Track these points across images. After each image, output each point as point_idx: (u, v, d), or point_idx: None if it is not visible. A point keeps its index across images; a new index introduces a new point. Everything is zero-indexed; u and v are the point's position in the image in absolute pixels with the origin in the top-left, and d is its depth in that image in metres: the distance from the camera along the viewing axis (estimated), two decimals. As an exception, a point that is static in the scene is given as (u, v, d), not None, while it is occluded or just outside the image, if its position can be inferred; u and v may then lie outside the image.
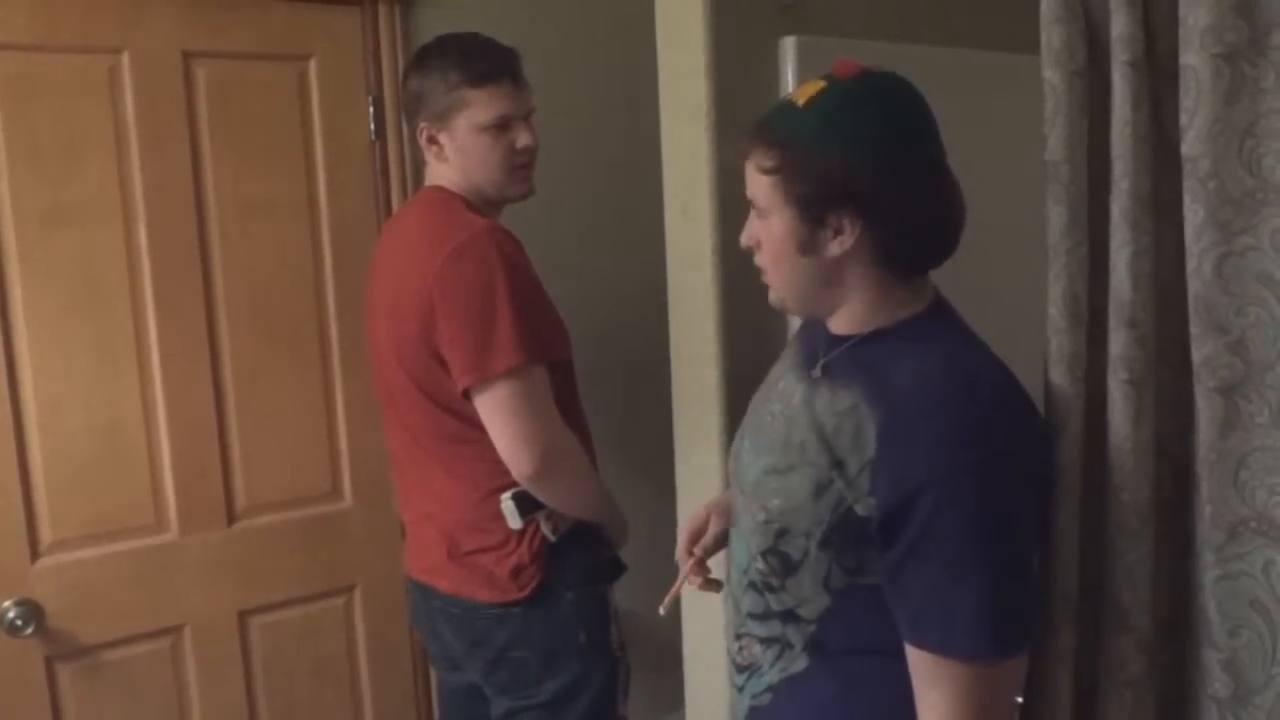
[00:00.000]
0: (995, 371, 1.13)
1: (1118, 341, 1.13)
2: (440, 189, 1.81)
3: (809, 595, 1.16)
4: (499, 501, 1.73)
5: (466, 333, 1.64)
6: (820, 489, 1.12)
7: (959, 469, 1.04)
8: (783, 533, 1.15)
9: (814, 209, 1.11)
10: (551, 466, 1.68)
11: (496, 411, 1.66)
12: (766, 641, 1.23)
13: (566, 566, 1.77)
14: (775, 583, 1.19)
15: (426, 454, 1.81)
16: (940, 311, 1.20)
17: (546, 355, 1.69)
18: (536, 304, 1.70)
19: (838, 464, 1.11)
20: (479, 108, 1.75)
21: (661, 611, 1.40)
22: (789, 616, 1.19)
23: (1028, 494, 1.10)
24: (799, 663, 1.20)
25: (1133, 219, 1.12)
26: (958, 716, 1.06)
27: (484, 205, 1.80)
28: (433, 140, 1.79)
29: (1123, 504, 1.14)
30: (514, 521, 1.73)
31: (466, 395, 1.68)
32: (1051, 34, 1.15)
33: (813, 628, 1.18)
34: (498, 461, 1.69)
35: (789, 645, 1.21)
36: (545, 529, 1.75)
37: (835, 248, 1.13)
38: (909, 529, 1.05)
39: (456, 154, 1.78)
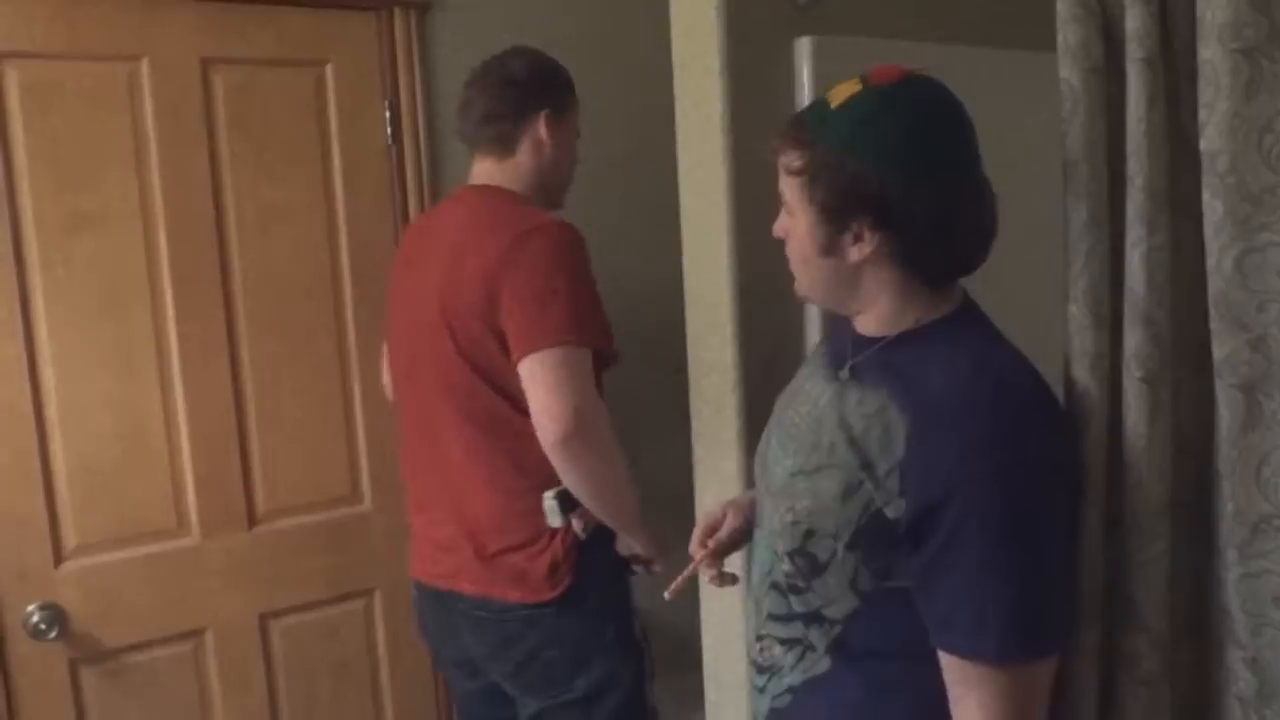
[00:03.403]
0: (1024, 373, 1.12)
1: (1133, 339, 1.13)
2: (498, 187, 1.83)
3: (836, 597, 1.16)
4: (540, 500, 1.74)
5: (527, 304, 1.67)
6: (849, 490, 1.11)
7: (988, 472, 1.04)
8: (810, 534, 1.15)
9: (835, 214, 1.12)
10: (581, 434, 1.64)
11: (539, 377, 1.65)
12: (787, 643, 1.23)
13: (593, 565, 1.78)
14: (801, 584, 1.19)
15: (466, 450, 1.79)
16: (968, 313, 1.19)
17: (595, 343, 1.71)
18: (594, 296, 1.74)
19: (867, 465, 1.10)
20: (576, 114, 1.90)
21: (667, 596, 1.40)
22: (813, 618, 1.19)
23: (1057, 496, 1.09)
24: (821, 665, 1.20)
25: (1147, 216, 1.11)
26: (991, 714, 1.05)
27: (543, 205, 1.84)
28: (547, 127, 1.83)
29: (1137, 501, 1.14)
30: (555, 520, 1.73)
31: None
32: (1068, 32, 1.14)
33: (838, 629, 1.17)
34: (542, 458, 1.69)
35: (811, 647, 1.21)
36: (576, 526, 1.75)
37: (855, 253, 1.14)
38: (938, 532, 1.05)
39: (555, 148, 1.85)
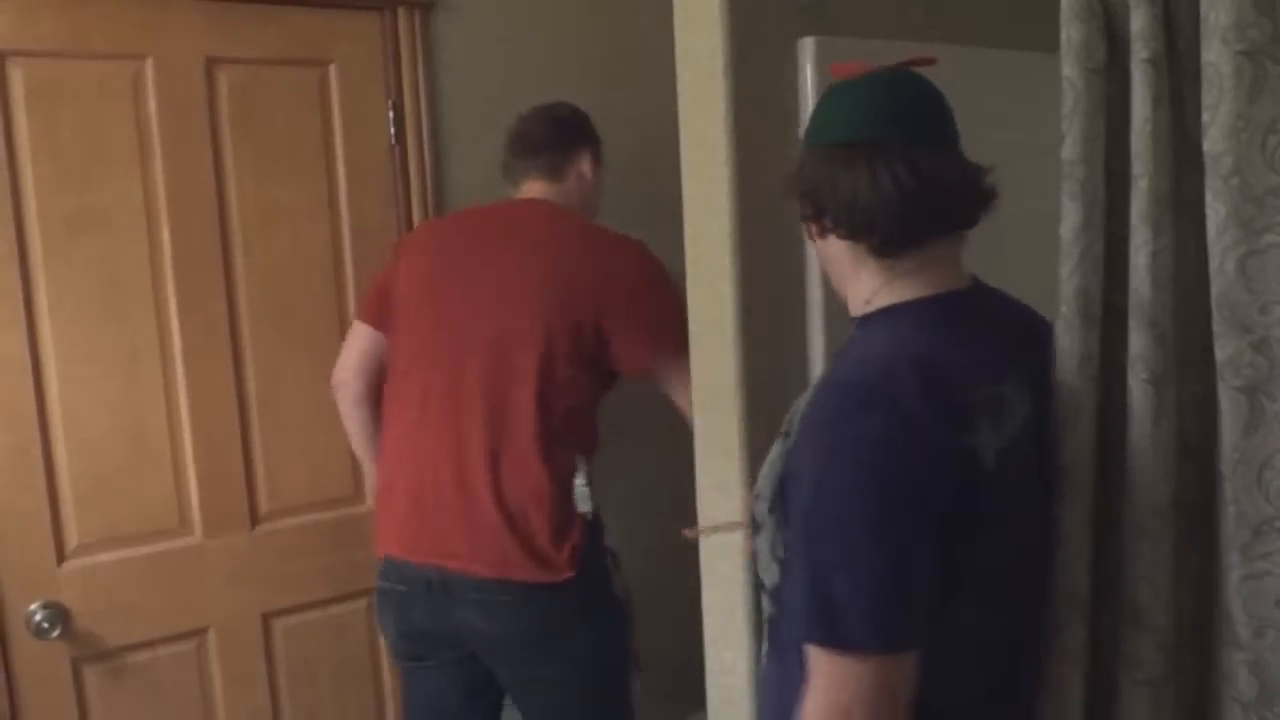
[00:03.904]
0: (915, 372, 1.07)
1: (1137, 341, 1.12)
2: (556, 203, 2.03)
3: (766, 564, 1.19)
4: (572, 488, 1.88)
5: (650, 306, 1.91)
6: (775, 459, 1.18)
7: (811, 455, 1.07)
8: (757, 496, 1.21)
9: (789, 193, 1.21)
10: None
11: (683, 369, 1.81)
12: (764, 613, 1.28)
13: (592, 539, 1.92)
14: (753, 545, 1.23)
15: (527, 438, 1.87)
16: (934, 305, 1.16)
17: None
18: None
19: (787, 434, 1.17)
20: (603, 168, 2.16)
21: (688, 534, 1.52)
22: (764, 588, 1.23)
23: (888, 493, 1.03)
24: (767, 641, 1.25)
25: (1152, 218, 1.11)
26: (813, 704, 1.05)
27: None
28: (590, 163, 2.09)
29: (1140, 504, 1.14)
30: (585, 504, 1.88)
31: (619, 373, 1.92)
32: (1071, 31, 1.14)
33: (772, 604, 1.21)
34: (578, 448, 1.90)
35: (765, 619, 1.25)
36: (586, 509, 1.89)
37: (808, 230, 1.22)
38: (789, 507, 1.10)
39: (594, 182, 2.10)
